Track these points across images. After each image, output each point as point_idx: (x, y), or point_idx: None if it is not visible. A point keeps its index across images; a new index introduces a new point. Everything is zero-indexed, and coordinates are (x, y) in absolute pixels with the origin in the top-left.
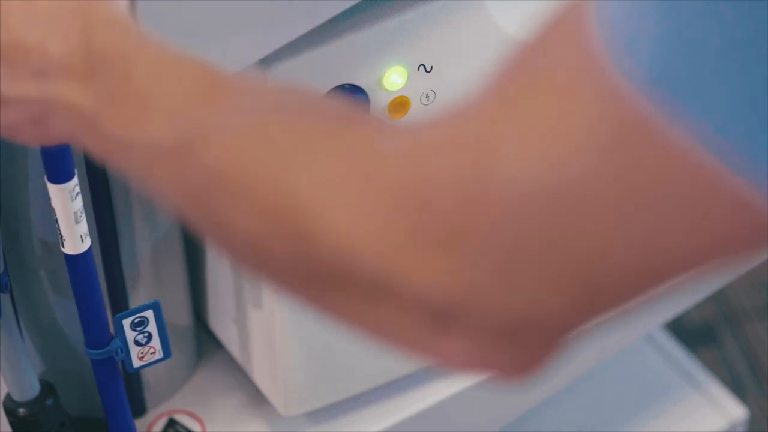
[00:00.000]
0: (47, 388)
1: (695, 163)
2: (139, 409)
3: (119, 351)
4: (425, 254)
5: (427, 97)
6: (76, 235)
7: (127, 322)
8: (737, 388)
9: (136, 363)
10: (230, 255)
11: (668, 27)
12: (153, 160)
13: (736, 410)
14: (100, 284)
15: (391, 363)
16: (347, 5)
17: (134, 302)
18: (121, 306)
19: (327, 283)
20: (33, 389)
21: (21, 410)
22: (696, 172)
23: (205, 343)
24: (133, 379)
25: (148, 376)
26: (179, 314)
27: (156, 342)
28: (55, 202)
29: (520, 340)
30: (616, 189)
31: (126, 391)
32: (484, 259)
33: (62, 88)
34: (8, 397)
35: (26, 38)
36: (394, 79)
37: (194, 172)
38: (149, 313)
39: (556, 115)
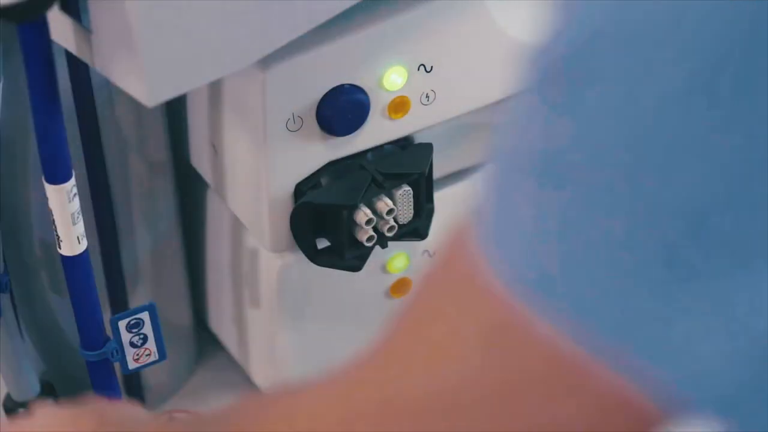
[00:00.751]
0: (47, 388)
1: (561, 355)
2: None
3: (115, 353)
4: None
5: (427, 97)
6: (72, 236)
7: (122, 324)
8: None
9: (132, 365)
10: None
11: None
12: None
13: None
14: (96, 285)
15: None
16: (347, 5)
17: (134, 302)
18: (120, 306)
19: None
20: (33, 389)
21: (21, 410)
22: (563, 364)
23: (205, 343)
24: (133, 379)
25: (147, 376)
26: (179, 314)
27: (151, 344)
28: (53, 203)
29: None
30: (500, 384)
31: (126, 391)
32: None
33: None
34: (8, 397)
35: None
36: (394, 79)
37: None
38: (145, 315)
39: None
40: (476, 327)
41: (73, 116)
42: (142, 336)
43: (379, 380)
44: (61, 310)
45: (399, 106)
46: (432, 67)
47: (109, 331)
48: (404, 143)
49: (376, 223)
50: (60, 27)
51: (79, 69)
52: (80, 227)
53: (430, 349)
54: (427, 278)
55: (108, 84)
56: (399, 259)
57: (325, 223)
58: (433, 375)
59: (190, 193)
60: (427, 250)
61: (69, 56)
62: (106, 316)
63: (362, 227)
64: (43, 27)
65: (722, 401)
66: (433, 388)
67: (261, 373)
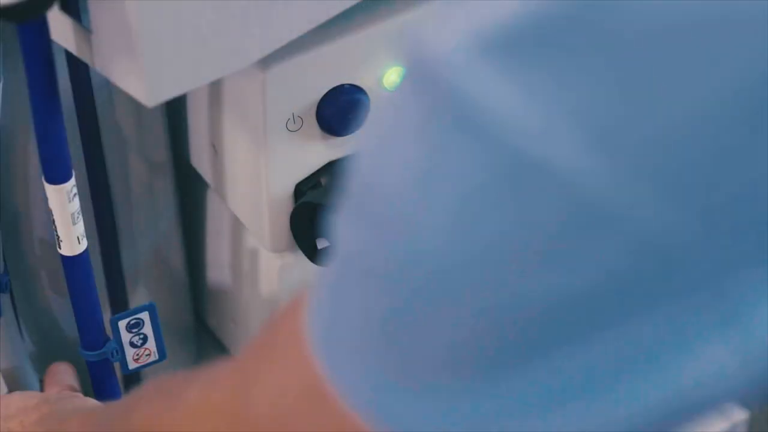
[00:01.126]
0: None
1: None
2: None
3: (115, 353)
4: None
5: None
6: (72, 236)
7: (122, 324)
8: None
9: (132, 365)
10: None
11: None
12: None
13: (736, 410)
14: (96, 285)
15: None
16: (347, 5)
17: (134, 302)
18: (120, 306)
19: None
20: (33, 389)
21: None
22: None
23: (205, 343)
24: (133, 379)
25: (147, 376)
26: (179, 314)
27: (151, 344)
28: (53, 203)
29: None
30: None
31: (125, 391)
32: None
33: None
34: None
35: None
36: (394, 79)
37: None
38: (145, 315)
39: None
40: (294, 383)
41: (73, 116)
42: (142, 336)
43: (231, 400)
44: (61, 310)
45: None
46: None
47: (109, 331)
48: None
49: None
50: (60, 27)
51: (79, 69)
52: (80, 227)
53: (260, 384)
54: (264, 328)
55: (108, 84)
56: None
57: (326, 223)
58: (267, 400)
59: (190, 193)
60: None
61: (69, 56)
62: (106, 316)
63: None
64: (43, 27)
65: None
66: (273, 413)
67: None
